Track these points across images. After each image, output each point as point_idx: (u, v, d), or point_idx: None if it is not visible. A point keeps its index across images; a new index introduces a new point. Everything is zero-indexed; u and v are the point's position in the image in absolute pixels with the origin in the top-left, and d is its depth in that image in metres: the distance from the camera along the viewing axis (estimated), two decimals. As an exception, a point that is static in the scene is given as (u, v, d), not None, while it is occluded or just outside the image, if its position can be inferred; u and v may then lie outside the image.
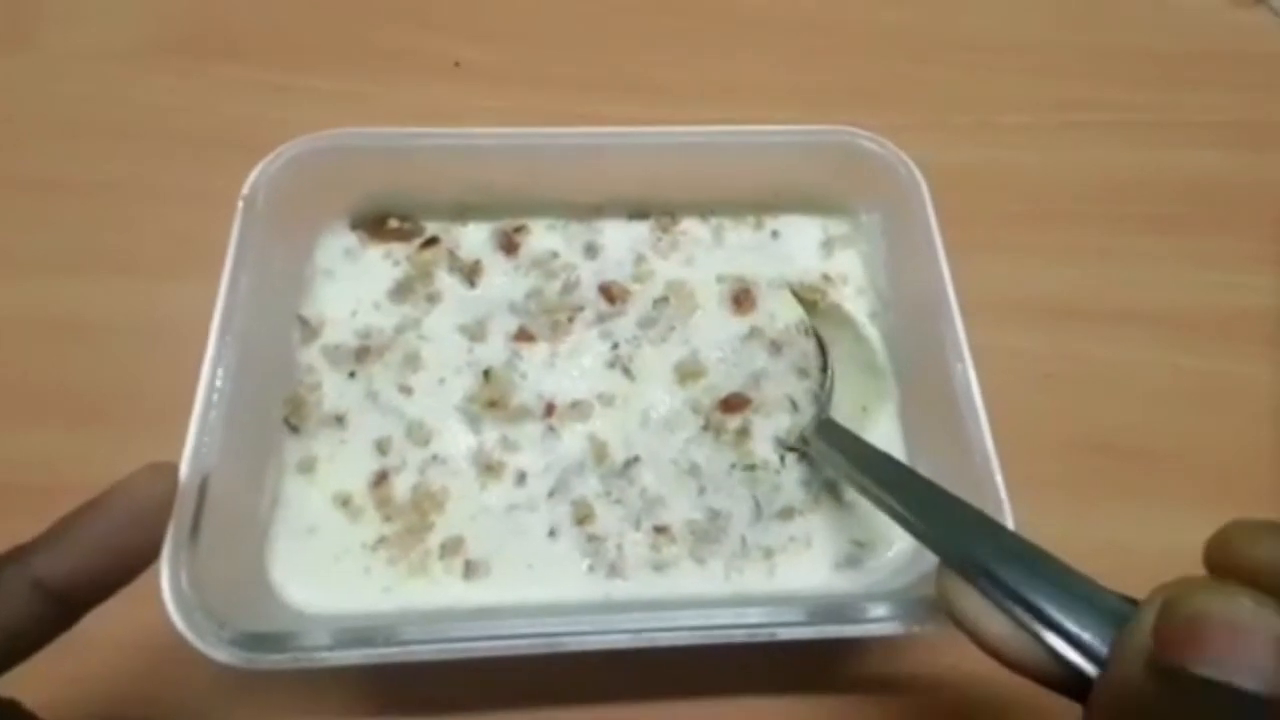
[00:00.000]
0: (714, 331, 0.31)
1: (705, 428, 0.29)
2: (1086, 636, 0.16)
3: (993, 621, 0.17)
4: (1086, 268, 0.37)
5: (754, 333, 0.31)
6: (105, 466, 0.30)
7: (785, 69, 0.42)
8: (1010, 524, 0.24)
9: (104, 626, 0.22)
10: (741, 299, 0.32)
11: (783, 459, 0.29)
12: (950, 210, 0.29)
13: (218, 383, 0.24)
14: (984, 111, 0.41)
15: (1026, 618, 0.17)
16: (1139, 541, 0.30)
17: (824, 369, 0.31)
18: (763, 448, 0.29)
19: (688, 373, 0.30)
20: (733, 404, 0.30)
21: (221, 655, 0.21)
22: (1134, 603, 0.16)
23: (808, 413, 0.30)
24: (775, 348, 0.31)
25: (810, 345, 0.31)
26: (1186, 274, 0.37)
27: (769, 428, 0.29)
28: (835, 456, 0.26)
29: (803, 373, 0.30)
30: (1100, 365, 0.34)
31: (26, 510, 0.29)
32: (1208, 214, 0.39)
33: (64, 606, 0.19)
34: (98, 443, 0.30)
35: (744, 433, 0.29)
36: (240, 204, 0.27)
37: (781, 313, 0.31)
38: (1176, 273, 0.37)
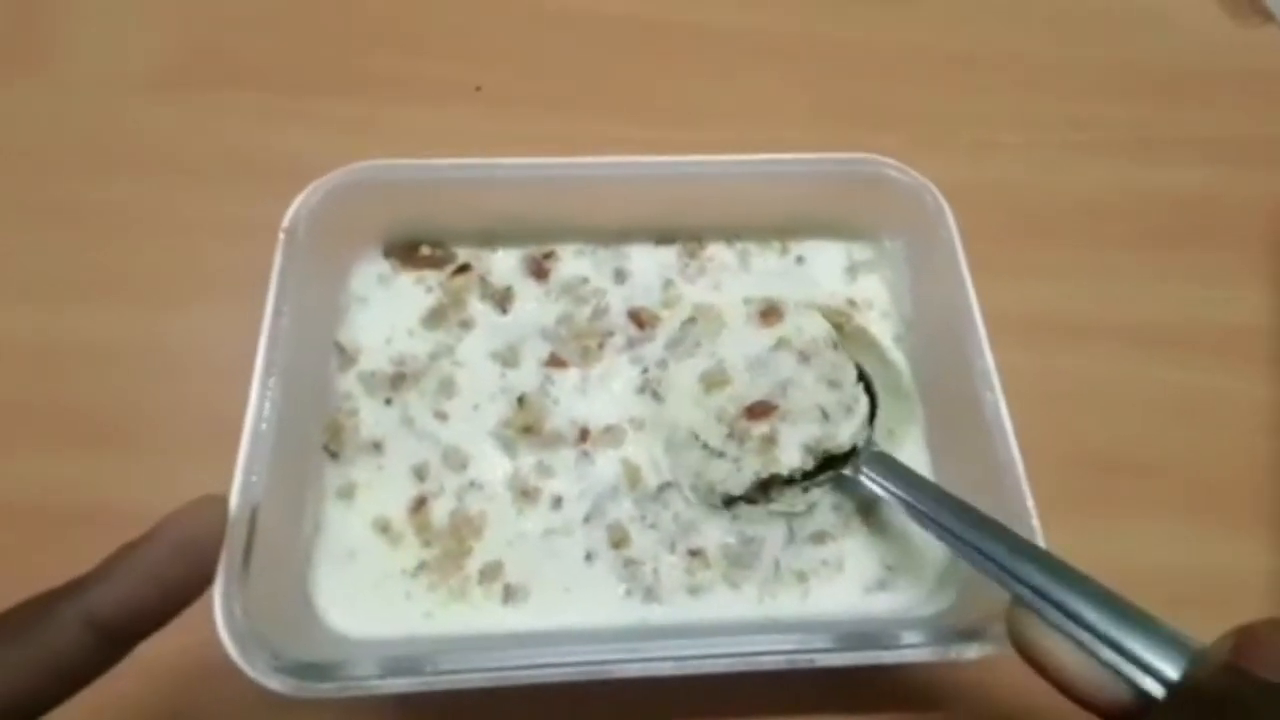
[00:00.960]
0: (740, 345, 0.31)
1: (730, 435, 0.29)
2: (1157, 664, 0.18)
3: (1066, 656, 0.19)
4: (1087, 285, 0.37)
5: (781, 343, 0.31)
6: (131, 491, 0.31)
7: (791, 90, 0.42)
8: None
9: (153, 648, 0.23)
10: (769, 313, 0.32)
11: (809, 494, 0.29)
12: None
13: (265, 414, 0.25)
14: (985, 130, 0.41)
15: (1101, 648, 0.18)
16: (1147, 558, 0.30)
17: (862, 383, 0.30)
18: (790, 455, 0.28)
19: (713, 382, 0.30)
20: (758, 411, 0.29)
21: (274, 684, 0.22)
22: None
23: (839, 423, 0.29)
24: (803, 358, 0.30)
25: (840, 358, 0.31)
26: (1189, 291, 0.37)
27: (797, 435, 0.29)
28: (893, 487, 0.26)
29: (833, 384, 0.30)
30: (1103, 382, 0.35)
31: (54, 533, 0.30)
32: (1211, 231, 0.39)
33: (115, 641, 0.20)
34: (125, 467, 0.31)
35: (770, 440, 0.29)
36: (281, 236, 0.28)
37: (809, 328, 0.31)
38: (1179, 290, 0.37)
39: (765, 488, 0.29)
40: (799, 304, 0.32)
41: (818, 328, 0.31)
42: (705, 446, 0.29)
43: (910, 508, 0.26)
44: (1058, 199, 0.39)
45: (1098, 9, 0.46)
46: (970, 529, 0.23)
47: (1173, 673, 0.18)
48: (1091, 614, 0.19)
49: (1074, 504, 0.30)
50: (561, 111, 0.40)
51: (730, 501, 0.29)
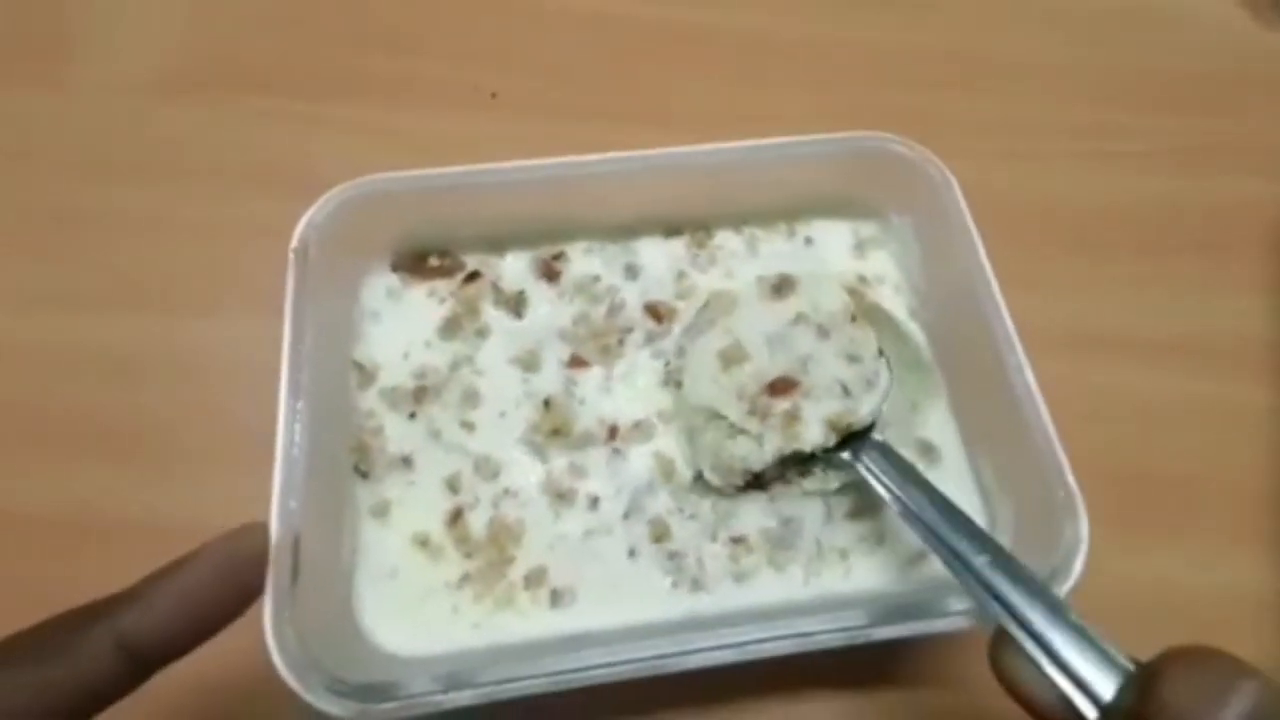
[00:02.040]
0: (757, 321, 0.31)
1: (752, 412, 0.28)
2: (1097, 685, 0.19)
3: (1031, 679, 0.20)
4: (1116, 296, 0.36)
5: (799, 318, 0.30)
6: (148, 501, 0.30)
7: (812, 96, 0.41)
8: (1080, 509, 0.25)
9: (207, 674, 0.23)
10: (782, 286, 0.32)
11: (830, 474, 0.29)
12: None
13: (295, 438, 0.25)
14: (1011, 137, 0.40)
15: (1049, 665, 0.19)
16: (1182, 574, 0.31)
17: (883, 358, 0.30)
18: (813, 432, 0.28)
19: (732, 359, 0.29)
20: (780, 387, 0.29)
21: (334, 708, 0.21)
22: (1134, 661, 0.19)
23: (860, 397, 0.29)
24: (823, 333, 0.30)
25: (860, 332, 0.31)
26: (1220, 301, 0.36)
27: (819, 411, 0.28)
28: (887, 481, 0.26)
29: (853, 359, 0.30)
30: (1135, 394, 0.34)
31: (71, 543, 0.29)
32: (1240, 240, 0.38)
33: (143, 664, 0.20)
34: (141, 477, 0.30)
35: (794, 417, 0.28)
36: (291, 255, 0.28)
37: (826, 302, 0.31)
38: (1209, 300, 0.36)
39: (783, 465, 0.29)
40: (813, 275, 0.32)
41: (835, 301, 0.31)
42: (726, 424, 0.29)
43: (899, 503, 0.26)
44: (1091, 208, 0.39)
45: (1118, 12, 0.45)
46: (954, 534, 0.23)
47: (1107, 696, 0.19)
48: (1050, 632, 0.20)
49: (1102, 516, 0.28)
50: (577, 117, 0.39)
51: (752, 483, 0.28)
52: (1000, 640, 0.21)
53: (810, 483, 0.29)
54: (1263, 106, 0.42)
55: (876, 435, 0.29)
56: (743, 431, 0.28)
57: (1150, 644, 0.29)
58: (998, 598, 0.21)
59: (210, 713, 0.26)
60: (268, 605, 0.22)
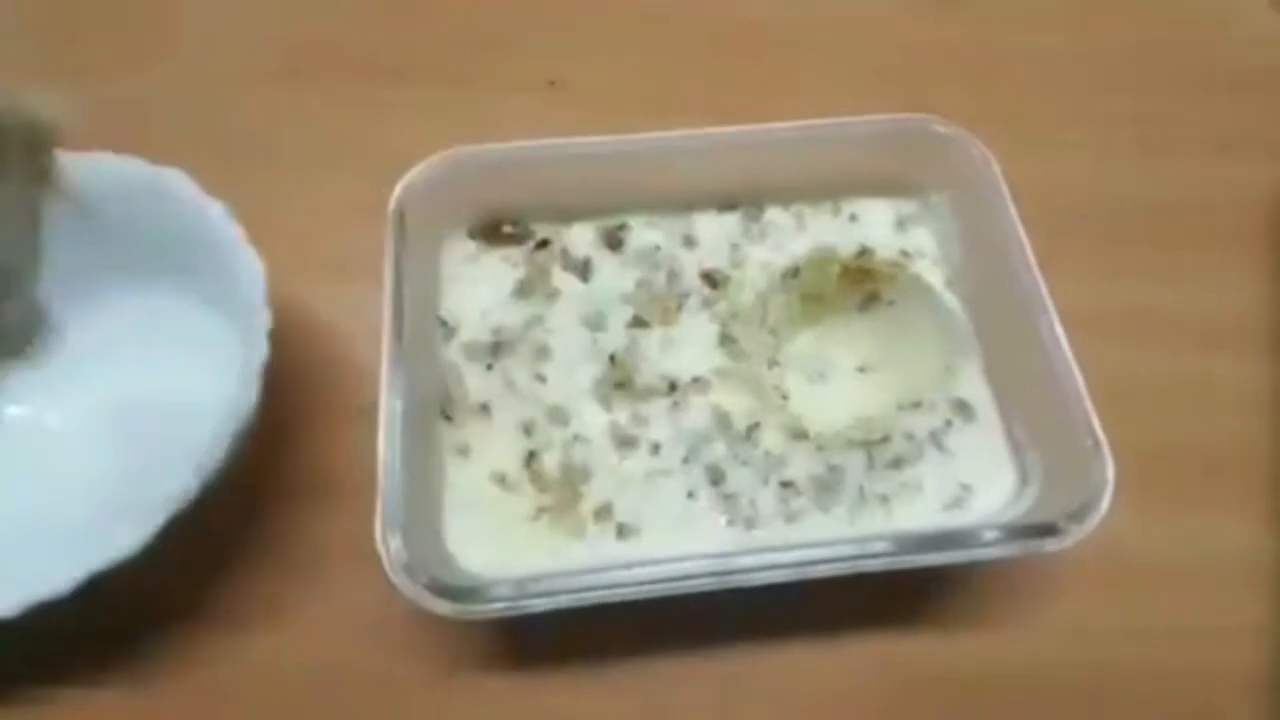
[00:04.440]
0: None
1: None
2: None
3: None
4: (1152, 282, 0.38)
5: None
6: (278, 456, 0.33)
7: (855, 87, 0.43)
8: (1106, 454, 0.27)
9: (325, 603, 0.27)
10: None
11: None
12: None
13: (398, 382, 0.28)
14: (1047, 126, 0.42)
15: None
16: (1197, 541, 0.32)
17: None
18: None
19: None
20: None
21: (437, 608, 0.25)
22: None
23: None
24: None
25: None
26: (1253, 288, 0.38)
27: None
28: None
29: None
30: (1168, 378, 0.35)
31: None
32: (1275, 226, 0.39)
33: None
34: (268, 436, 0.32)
35: None
36: (390, 218, 0.31)
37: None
38: (1241, 287, 0.38)
39: None
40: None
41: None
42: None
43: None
44: (1127, 197, 0.40)
45: (1154, 3, 0.46)
46: None
47: None
48: None
49: (1123, 487, 0.28)
50: (639, 108, 0.42)
51: None
52: None
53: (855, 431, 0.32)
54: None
55: None
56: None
57: (1168, 608, 0.31)
58: None
59: (338, 633, 0.30)
60: (379, 525, 0.25)
